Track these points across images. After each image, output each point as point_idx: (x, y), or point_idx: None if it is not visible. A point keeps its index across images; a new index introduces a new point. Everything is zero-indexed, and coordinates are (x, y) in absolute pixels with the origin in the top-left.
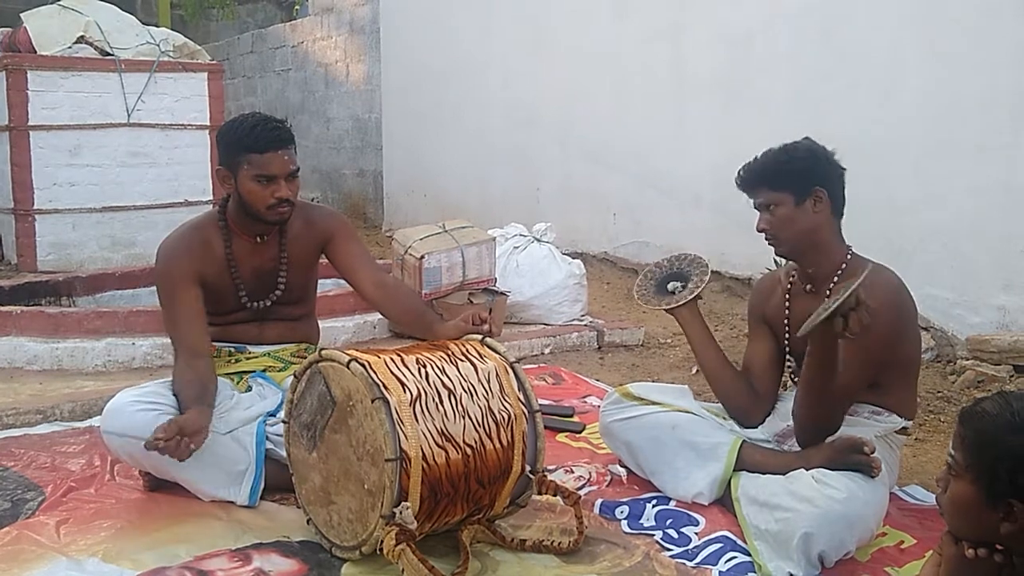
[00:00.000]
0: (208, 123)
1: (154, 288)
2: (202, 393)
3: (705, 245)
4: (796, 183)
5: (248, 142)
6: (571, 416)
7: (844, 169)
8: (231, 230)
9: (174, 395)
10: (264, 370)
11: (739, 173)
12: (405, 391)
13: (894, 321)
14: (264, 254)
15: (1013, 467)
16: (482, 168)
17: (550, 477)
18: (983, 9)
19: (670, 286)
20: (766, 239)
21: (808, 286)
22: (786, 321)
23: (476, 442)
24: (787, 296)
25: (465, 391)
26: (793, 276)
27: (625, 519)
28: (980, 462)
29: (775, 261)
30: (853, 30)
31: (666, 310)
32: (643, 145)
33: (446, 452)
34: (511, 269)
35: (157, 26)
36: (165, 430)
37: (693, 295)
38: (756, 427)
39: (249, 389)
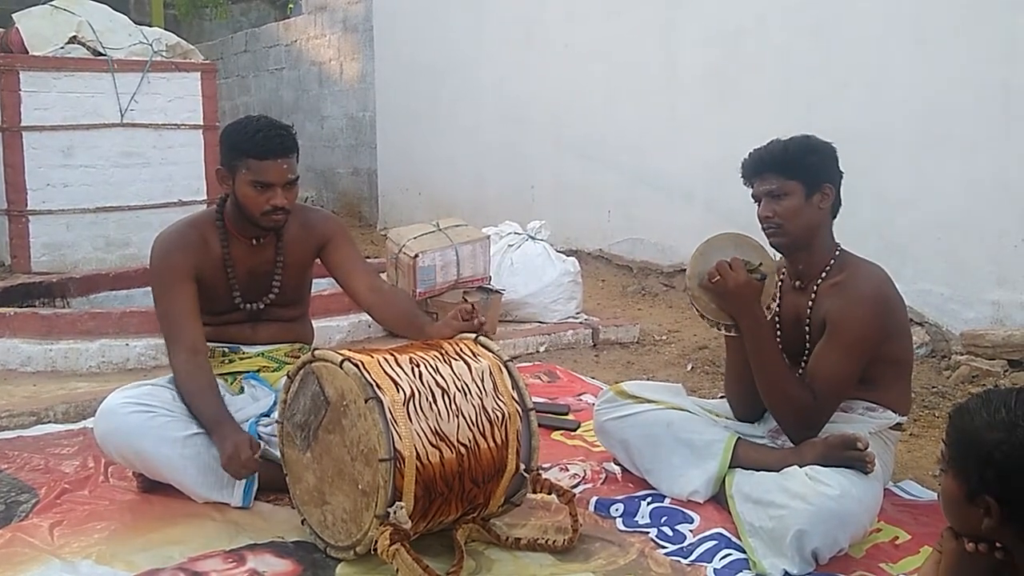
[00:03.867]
0: (202, 123)
1: (148, 289)
2: (220, 403)
3: (697, 243)
4: (810, 176)
5: (249, 147)
6: (566, 414)
7: (843, 173)
8: (228, 230)
9: (182, 398)
10: (258, 370)
11: (749, 157)
12: (399, 391)
13: (877, 316)
14: (260, 256)
15: (983, 462)
16: (476, 166)
17: (545, 475)
18: (973, 3)
19: None
20: (767, 228)
21: (797, 282)
22: (776, 317)
23: (470, 441)
24: (777, 292)
25: (459, 390)
26: (783, 272)
27: (620, 517)
28: (959, 458)
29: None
30: (844, 26)
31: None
32: (636, 142)
33: (440, 451)
34: (506, 267)
35: (150, 26)
36: (249, 450)
37: (769, 311)
38: (753, 423)
39: (242, 391)
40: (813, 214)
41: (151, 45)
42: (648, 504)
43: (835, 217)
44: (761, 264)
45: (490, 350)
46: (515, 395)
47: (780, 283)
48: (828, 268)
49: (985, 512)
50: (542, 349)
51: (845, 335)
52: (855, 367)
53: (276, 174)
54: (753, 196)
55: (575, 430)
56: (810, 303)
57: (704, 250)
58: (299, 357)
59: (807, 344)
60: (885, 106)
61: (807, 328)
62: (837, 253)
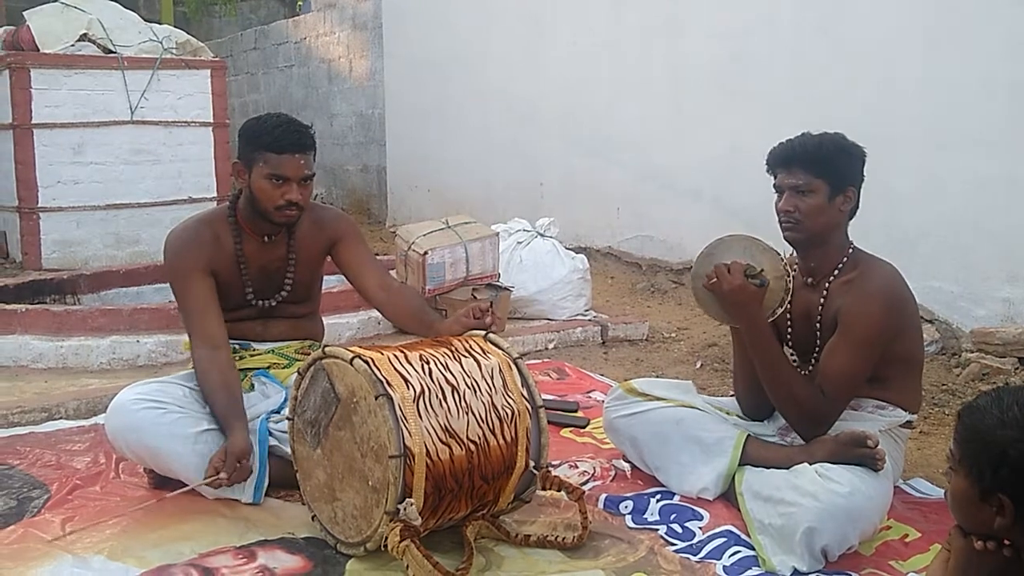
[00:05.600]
0: (211, 120)
1: (158, 286)
2: (232, 400)
3: (707, 239)
4: (838, 177)
5: (267, 141)
6: (575, 411)
7: (864, 177)
8: (240, 227)
9: (201, 392)
10: (268, 367)
11: (780, 146)
12: (408, 388)
13: (889, 314)
14: (272, 253)
15: (997, 461)
16: (485, 163)
17: (554, 472)
18: (982, 1)
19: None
20: (784, 221)
21: (809, 279)
22: (788, 314)
23: (480, 438)
24: (787, 296)
25: (468, 387)
26: (794, 269)
27: (629, 514)
28: (970, 456)
29: None
30: (851, 23)
31: (735, 328)
32: (643, 138)
33: (450, 448)
34: (515, 264)
35: (160, 23)
36: (225, 464)
37: (775, 316)
38: (763, 420)
39: (252, 388)
40: (833, 215)
41: (161, 43)
42: (657, 501)
43: (852, 218)
44: (763, 271)
45: (500, 347)
46: (524, 392)
47: (790, 287)
48: (841, 265)
49: (998, 511)
50: (551, 346)
51: (856, 332)
52: (866, 364)
53: (292, 169)
54: (775, 186)
55: (584, 427)
56: (822, 300)
57: (710, 251)
58: (309, 354)
59: (818, 341)
60: (893, 103)
61: (818, 325)
62: (850, 251)
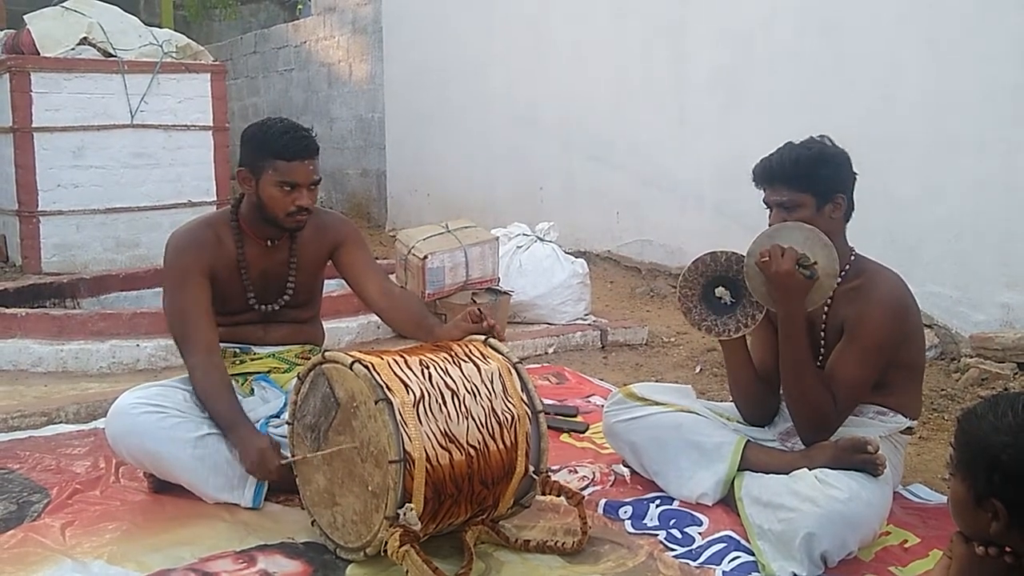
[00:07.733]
0: (211, 124)
1: (158, 290)
2: (235, 402)
3: (708, 245)
4: (822, 187)
5: (277, 148)
6: (575, 416)
7: (856, 175)
8: (242, 231)
9: (197, 398)
10: (268, 372)
11: (760, 163)
12: (408, 392)
13: (895, 321)
14: (274, 257)
15: (990, 466)
16: (485, 168)
17: (554, 477)
18: (982, 4)
19: (718, 292)
20: None
21: None
22: None
23: (480, 443)
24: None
25: (468, 392)
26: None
27: (629, 519)
28: (966, 461)
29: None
30: (853, 27)
31: (720, 340)
32: (645, 143)
33: (450, 453)
34: (514, 269)
35: (160, 27)
36: (268, 460)
37: (752, 326)
38: (763, 426)
39: (252, 392)
40: (823, 224)
41: (161, 46)
42: (657, 506)
43: (848, 221)
44: (815, 264)
45: (500, 352)
46: (524, 397)
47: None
48: (844, 273)
49: (993, 516)
50: (550, 351)
51: (864, 340)
52: (872, 371)
53: (303, 175)
54: (764, 202)
55: (584, 432)
56: (826, 308)
57: (772, 232)
58: (310, 358)
59: (821, 348)
60: (894, 107)
61: (822, 333)
62: (852, 258)
